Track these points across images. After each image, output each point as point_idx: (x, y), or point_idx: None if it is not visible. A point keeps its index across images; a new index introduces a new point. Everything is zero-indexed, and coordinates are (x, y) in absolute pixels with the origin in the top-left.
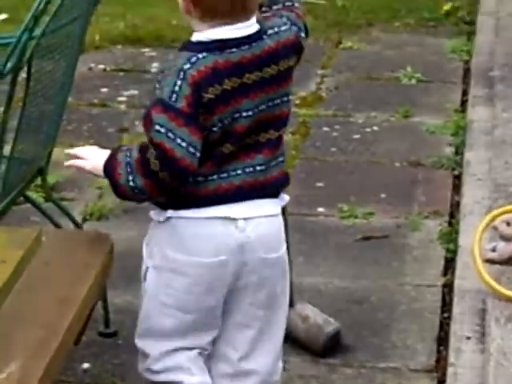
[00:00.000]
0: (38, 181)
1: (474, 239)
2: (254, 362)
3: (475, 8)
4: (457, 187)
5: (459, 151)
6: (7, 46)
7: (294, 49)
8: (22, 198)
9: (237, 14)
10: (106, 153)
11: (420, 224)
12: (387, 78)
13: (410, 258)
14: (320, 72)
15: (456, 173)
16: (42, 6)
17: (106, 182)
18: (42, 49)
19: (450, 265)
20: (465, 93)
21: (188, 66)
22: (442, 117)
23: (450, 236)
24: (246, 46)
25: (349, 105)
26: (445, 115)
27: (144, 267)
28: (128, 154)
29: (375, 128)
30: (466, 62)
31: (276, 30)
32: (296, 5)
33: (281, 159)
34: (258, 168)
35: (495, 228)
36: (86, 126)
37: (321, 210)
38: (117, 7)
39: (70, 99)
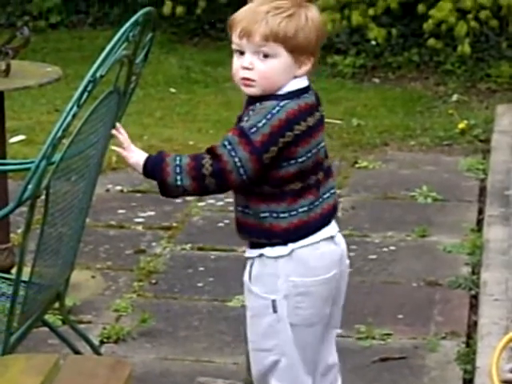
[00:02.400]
0: (56, 304)
1: (491, 360)
2: (333, 356)
3: (490, 126)
4: (474, 307)
5: (476, 271)
6: (26, 171)
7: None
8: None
9: None
10: (143, 154)
11: (437, 345)
12: (403, 197)
13: (427, 379)
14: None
15: (473, 293)
16: (60, 134)
17: (123, 304)
18: (60, 172)
19: None
20: (481, 211)
21: (277, 109)
22: (458, 236)
23: (468, 357)
24: (310, 92)
25: (365, 224)
26: (461, 234)
27: (265, 303)
28: (178, 159)
29: (392, 248)
30: (482, 181)
31: None
32: None
33: (334, 190)
34: (328, 194)
35: None
36: (102, 248)
37: (338, 331)
38: (134, 128)
39: (87, 221)
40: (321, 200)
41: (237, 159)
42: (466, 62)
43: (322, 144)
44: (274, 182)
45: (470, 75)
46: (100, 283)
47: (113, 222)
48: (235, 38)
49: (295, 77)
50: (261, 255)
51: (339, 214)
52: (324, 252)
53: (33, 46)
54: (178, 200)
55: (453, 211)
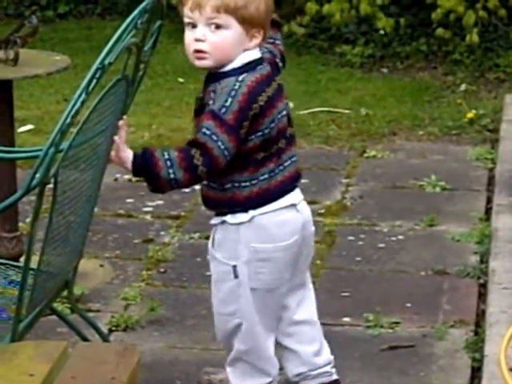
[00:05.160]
0: (64, 292)
1: (500, 348)
2: (304, 312)
3: (499, 116)
4: (482, 296)
5: (484, 260)
6: (34, 158)
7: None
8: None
9: None
10: (131, 152)
11: (446, 333)
12: (411, 186)
13: (436, 367)
14: (345, 181)
15: (481, 281)
16: (68, 120)
17: (131, 292)
18: (69, 160)
19: (476, 374)
20: (489, 200)
21: (238, 84)
22: (466, 225)
23: (476, 345)
24: (264, 63)
25: (374, 214)
26: (470, 223)
27: (226, 268)
28: (166, 153)
29: (400, 237)
30: (491, 170)
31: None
32: (277, 42)
33: (295, 158)
34: (290, 162)
35: None
36: (111, 237)
37: (346, 319)
38: (142, 118)
39: (95, 210)
40: (281, 168)
41: (220, 143)
42: (475, 52)
43: (284, 113)
44: (240, 154)
45: (478, 65)
46: (108, 272)
47: (121, 211)
48: (187, 11)
49: (246, 50)
50: (223, 222)
51: (348, 203)
52: (285, 219)
53: (41, 36)
54: (187, 189)
55: (461, 200)
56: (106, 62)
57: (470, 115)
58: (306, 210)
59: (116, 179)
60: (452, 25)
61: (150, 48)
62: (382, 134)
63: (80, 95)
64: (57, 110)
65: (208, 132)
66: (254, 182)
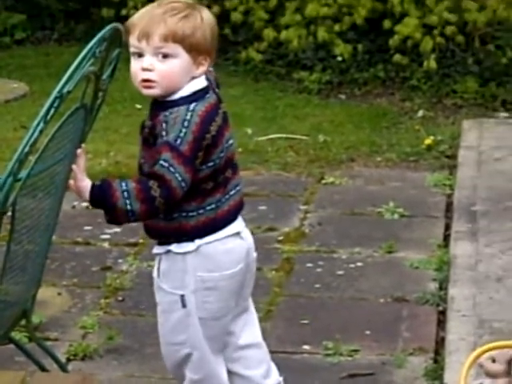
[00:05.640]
0: (22, 321)
1: (460, 377)
2: (248, 336)
3: (456, 142)
4: (441, 323)
5: (443, 286)
6: None
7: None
8: None
9: None
10: (89, 182)
11: (405, 361)
12: (370, 213)
13: None
14: (303, 208)
15: (440, 308)
16: (26, 149)
17: (89, 321)
18: (27, 189)
19: None
20: (447, 227)
21: (190, 114)
22: (425, 252)
23: (436, 373)
24: (210, 91)
25: (332, 240)
26: (428, 250)
27: (173, 298)
28: (124, 184)
29: (359, 264)
30: (449, 196)
31: None
32: (210, 68)
33: (239, 187)
34: (235, 191)
35: (481, 365)
36: (69, 265)
37: (306, 347)
38: (99, 144)
39: (53, 237)
40: (227, 197)
41: (177, 174)
42: (432, 78)
43: (231, 141)
44: (191, 185)
45: (435, 91)
46: (66, 300)
47: (79, 239)
48: (133, 41)
49: (193, 77)
50: (168, 251)
51: (306, 230)
52: (230, 247)
53: None
54: None
55: (420, 227)
56: (65, 90)
57: (428, 141)
58: (249, 236)
59: (74, 206)
60: (409, 51)
61: (108, 76)
62: (340, 161)
63: (38, 124)
64: (14, 137)
65: (166, 164)
66: (200, 211)
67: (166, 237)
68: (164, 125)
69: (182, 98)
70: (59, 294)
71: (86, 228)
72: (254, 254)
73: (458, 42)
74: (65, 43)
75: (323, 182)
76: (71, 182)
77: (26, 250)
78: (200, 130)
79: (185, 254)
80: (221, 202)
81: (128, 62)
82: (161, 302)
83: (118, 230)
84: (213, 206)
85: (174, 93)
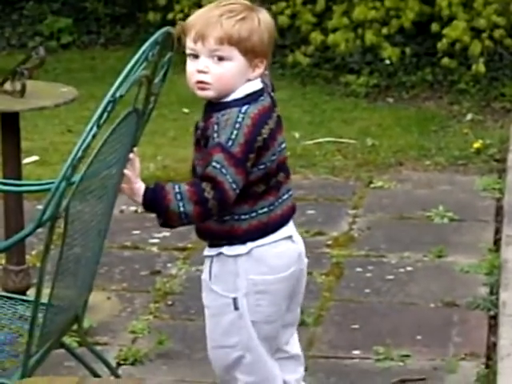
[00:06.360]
0: (74, 326)
1: None
2: (294, 347)
3: (506, 145)
4: (493, 328)
5: (494, 291)
6: (43, 192)
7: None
8: None
9: None
10: (143, 185)
11: (457, 366)
12: (419, 217)
13: None
14: (351, 212)
15: (491, 313)
16: (79, 154)
17: (139, 326)
18: (80, 193)
19: None
20: (497, 231)
21: (241, 116)
22: (475, 256)
23: (488, 378)
24: (265, 94)
25: (381, 245)
26: (478, 254)
27: (226, 301)
28: (177, 186)
29: (409, 268)
30: (498, 200)
31: None
32: (265, 72)
33: (291, 191)
34: (287, 195)
35: None
36: (118, 269)
37: (356, 352)
38: (147, 148)
39: None
40: (280, 201)
41: (228, 176)
42: (480, 81)
43: (283, 145)
44: (242, 187)
45: (484, 94)
46: (116, 305)
47: (127, 243)
48: (189, 43)
49: (249, 80)
50: (219, 254)
51: (355, 234)
52: (282, 250)
53: (45, 67)
54: None
55: (469, 231)
56: (118, 94)
57: (477, 145)
58: (300, 241)
59: (122, 211)
60: (457, 54)
61: (160, 80)
62: (389, 165)
63: (91, 128)
64: (61, 141)
65: (218, 165)
66: (253, 214)
67: (218, 239)
68: (216, 126)
69: (235, 100)
70: (109, 298)
71: (135, 232)
72: (306, 260)
73: (507, 45)
74: (111, 47)
75: (372, 186)
76: (124, 185)
77: (78, 255)
78: (252, 133)
79: (236, 256)
80: (274, 206)
81: (175, 65)
82: (212, 306)
83: (166, 234)
84: (265, 209)
85: (228, 95)
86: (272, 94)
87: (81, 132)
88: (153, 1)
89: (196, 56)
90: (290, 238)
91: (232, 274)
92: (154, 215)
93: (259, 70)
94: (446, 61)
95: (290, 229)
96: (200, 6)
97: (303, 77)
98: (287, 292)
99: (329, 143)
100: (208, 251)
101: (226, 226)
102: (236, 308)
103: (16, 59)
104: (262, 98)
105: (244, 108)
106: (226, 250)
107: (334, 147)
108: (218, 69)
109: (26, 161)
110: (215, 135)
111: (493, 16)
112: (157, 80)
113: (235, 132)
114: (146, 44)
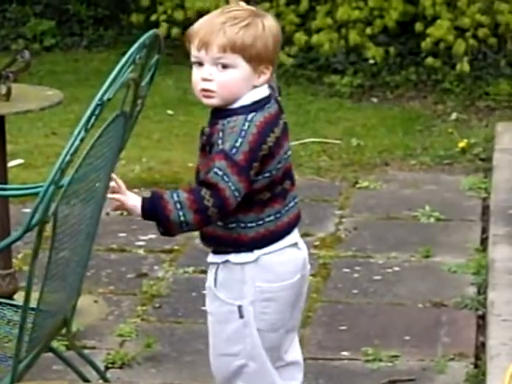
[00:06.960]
0: (62, 330)
1: (502, 381)
2: (293, 354)
3: (490, 145)
4: (481, 328)
5: (482, 291)
6: (32, 195)
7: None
8: None
9: None
10: (137, 196)
11: (446, 366)
12: (406, 217)
13: None
14: (338, 212)
15: (480, 313)
16: (67, 158)
17: (127, 329)
18: (68, 197)
19: None
20: (484, 231)
21: (247, 124)
22: (462, 256)
23: (477, 378)
24: (272, 101)
25: (368, 245)
26: (466, 254)
27: (231, 308)
28: (175, 194)
29: (396, 268)
30: (484, 200)
31: None
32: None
33: (297, 199)
34: (293, 203)
35: None
36: (104, 272)
37: (345, 353)
38: (132, 151)
39: None
40: (287, 209)
41: (230, 184)
42: (465, 81)
43: (289, 153)
44: (246, 195)
45: (468, 93)
46: (103, 308)
47: (114, 246)
48: (193, 50)
49: (255, 86)
50: (226, 261)
51: (342, 234)
52: (289, 258)
53: (28, 69)
54: None
55: (456, 231)
56: (105, 98)
57: (462, 144)
58: (304, 247)
59: (108, 213)
60: (441, 53)
61: (147, 83)
62: (374, 165)
63: (79, 132)
64: (46, 143)
65: (220, 172)
66: (259, 222)
67: (224, 246)
68: (221, 133)
69: (242, 107)
70: (96, 301)
71: (121, 235)
72: (309, 266)
73: (491, 44)
74: (94, 49)
75: (357, 186)
76: (117, 203)
77: (67, 259)
78: (257, 141)
79: (243, 264)
80: (280, 214)
81: (160, 67)
82: (216, 313)
83: (153, 236)
84: (272, 217)
85: (234, 102)
86: (279, 99)
87: (65, 134)
88: (136, 2)
89: (201, 64)
90: (295, 245)
91: (238, 281)
92: (139, 218)
93: (265, 77)
94: (430, 60)
95: (295, 236)
96: (183, 8)
97: (287, 77)
98: (292, 299)
99: (314, 144)
100: (213, 258)
101: (233, 233)
102: (241, 316)
103: (5, 63)
104: (268, 105)
105: (250, 116)
106: (232, 257)
107: (319, 148)
108: (222, 76)
109: (10, 164)
110: (220, 142)
111: (477, 15)
112: (144, 83)
113: (240, 140)
114: (134, 47)
